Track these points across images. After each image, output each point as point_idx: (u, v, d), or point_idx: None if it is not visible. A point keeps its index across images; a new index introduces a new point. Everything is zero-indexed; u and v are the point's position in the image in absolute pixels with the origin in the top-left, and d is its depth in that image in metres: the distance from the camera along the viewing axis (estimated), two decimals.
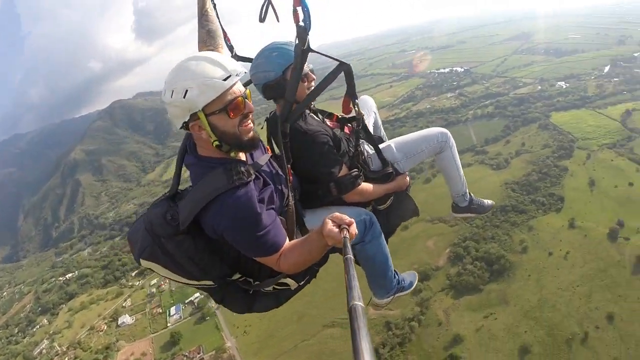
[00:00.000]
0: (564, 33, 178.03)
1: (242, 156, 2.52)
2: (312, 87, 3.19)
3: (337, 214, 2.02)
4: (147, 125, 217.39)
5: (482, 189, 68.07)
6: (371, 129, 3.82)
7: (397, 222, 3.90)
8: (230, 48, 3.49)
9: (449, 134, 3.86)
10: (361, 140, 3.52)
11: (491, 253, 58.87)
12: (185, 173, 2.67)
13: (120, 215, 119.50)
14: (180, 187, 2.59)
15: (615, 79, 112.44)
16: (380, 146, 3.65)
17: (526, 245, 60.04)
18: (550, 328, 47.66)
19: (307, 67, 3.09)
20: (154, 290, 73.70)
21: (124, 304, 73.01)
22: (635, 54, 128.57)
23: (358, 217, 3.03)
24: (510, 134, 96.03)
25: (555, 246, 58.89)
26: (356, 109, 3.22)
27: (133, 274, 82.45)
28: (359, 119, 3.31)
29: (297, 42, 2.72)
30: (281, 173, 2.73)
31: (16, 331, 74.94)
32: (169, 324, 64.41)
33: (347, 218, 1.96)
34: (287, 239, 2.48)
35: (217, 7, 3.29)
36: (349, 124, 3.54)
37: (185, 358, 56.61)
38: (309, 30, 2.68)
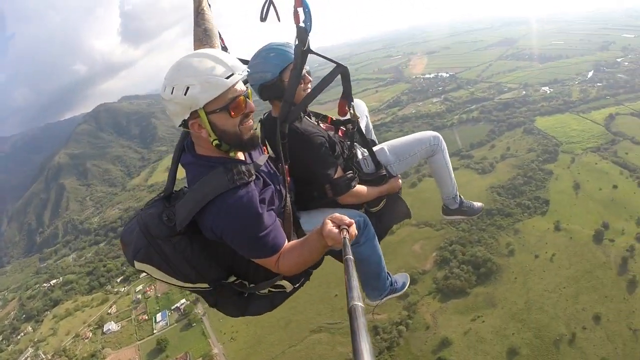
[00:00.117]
0: (548, 39, 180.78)
1: (241, 156, 2.46)
2: (309, 89, 3.16)
3: (336, 214, 2.00)
4: (133, 129, 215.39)
5: (468, 193, 67.17)
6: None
7: (389, 224, 3.88)
8: (224, 49, 3.33)
9: (441, 137, 3.89)
10: (354, 143, 3.52)
11: (478, 256, 59.11)
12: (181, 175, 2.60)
13: (105, 221, 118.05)
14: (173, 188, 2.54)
15: (598, 84, 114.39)
16: (374, 149, 3.68)
17: (512, 248, 60.43)
18: (538, 330, 47.93)
19: (304, 69, 3.03)
20: (139, 296, 72.81)
21: (109, 311, 71.99)
22: (618, 60, 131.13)
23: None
24: (495, 139, 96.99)
25: (541, 249, 59.39)
26: (352, 111, 3.28)
27: (118, 280, 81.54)
28: (355, 121, 3.36)
29: (297, 43, 2.76)
30: (279, 174, 2.71)
31: (0, 339, 73.50)
32: (155, 331, 63.51)
33: (346, 219, 1.95)
34: (287, 240, 2.42)
35: (211, 7, 3.23)
36: (342, 127, 3.53)
37: None
38: (309, 32, 2.72)
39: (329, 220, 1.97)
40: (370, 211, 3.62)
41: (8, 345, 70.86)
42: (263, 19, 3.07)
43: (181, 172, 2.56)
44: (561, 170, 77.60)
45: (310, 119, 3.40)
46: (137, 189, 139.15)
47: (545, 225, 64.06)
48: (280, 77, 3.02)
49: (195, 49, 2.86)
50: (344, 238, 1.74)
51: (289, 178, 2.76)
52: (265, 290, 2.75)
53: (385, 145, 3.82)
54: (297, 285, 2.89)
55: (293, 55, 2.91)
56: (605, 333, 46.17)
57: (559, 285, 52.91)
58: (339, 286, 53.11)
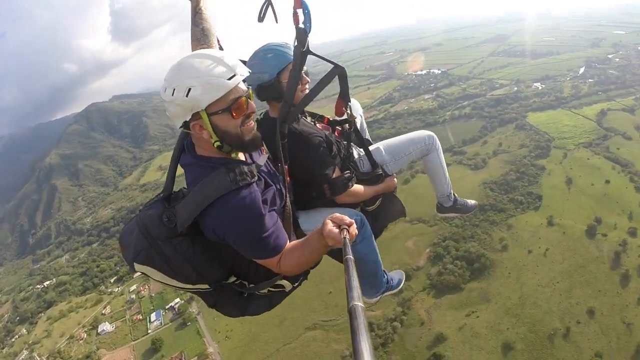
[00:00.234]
0: (539, 35, 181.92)
1: (242, 156, 2.45)
2: (306, 90, 3.15)
3: (337, 214, 2.00)
4: (124, 129, 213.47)
5: (460, 189, 67.89)
6: None
7: (385, 222, 3.91)
8: (220, 49, 3.37)
9: (436, 137, 3.93)
10: (351, 143, 3.57)
11: (471, 252, 59.32)
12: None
13: (98, 221, 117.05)
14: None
15: (590, 80, 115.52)
16: (370, 148, 3.71)
17: (506, 244, 60.71)
18: (532, 324, 48.19)
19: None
20: (133, 296, 72.36)
21: (103, 311, 71.48)
22: (610, 56, 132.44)
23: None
24: (487, 135, 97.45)
25: (534, 244, 59.72)
26: (349, 111, 3.28)
27: (112, 280, 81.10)
28: (352, 121, 3.39)
29: (296, 44, 2.76)
30: (279, 174, 2.70)
31: None
32: (149, 331, 63.13)
33: (347, 219, 1.96)
34: (288, 241, 2.41)
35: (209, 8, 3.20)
36: (339, 127, 3.58)
37: None
38: (308, 33, 2.72)
39: (329, 220, 1.97)
40: (367, 210, 3.64)
41: (2, 348, 70.23)
42: (261, 19, 3.05)
43: (178, 171, 2.54)
44: (553, 166, 78.06)
45: (307, 119, 3.42)
46: (129, 189, 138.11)
47: (538, 220, 64.42)
48: (278, 78, 3.03)
49: (192, 49, 2.86)
50: (344, 238, 1.75)
51: (288, 178, 2.77)
52: (265, 290, 2.75)
53: (380, 145, 3.84)
54: (296, 284, 2.91)
55: (291, 56, 2.94)
56: (599, 327, 46.52)
57: (552, 280, 53.21)
58: (333, 283, 53.26)
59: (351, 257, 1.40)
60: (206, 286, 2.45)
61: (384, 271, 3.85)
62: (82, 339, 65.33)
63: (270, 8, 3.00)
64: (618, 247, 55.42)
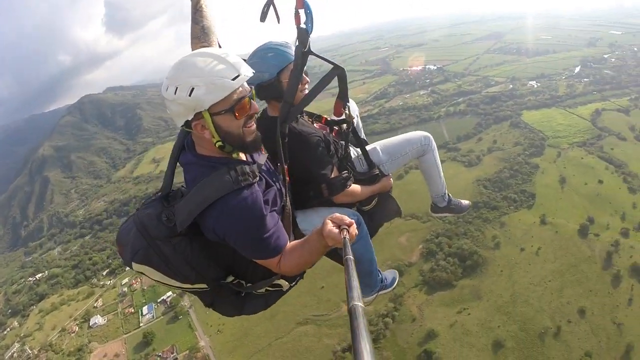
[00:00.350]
0: (536, 34, 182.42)
1: (243, 156, 2.43)
2: (306, 90, 3.14)
3: (337, 214, 2.01)
4: (118, 121, 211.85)
5: (454, 186, 68.73)
6: None
7: (381, 222, 3.90)
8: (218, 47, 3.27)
9: (431, 137, 3.99)
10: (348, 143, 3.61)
11: (464, 249, 59.44)
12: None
13: (91, 213, 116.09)
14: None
15: (585, 79, 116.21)
16: (367, 148, 3.74)
17: (498, 241, 60.88)
18: (523, 322, 48.41)
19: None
20: (125, 289, 72.07)
21: (95, 304, 71.16)
22: (605, 56, 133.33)
23: None
24: (482, 132, 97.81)
25: (527, 242, 59.96)
26: (347, 112, 3.31)
27: (104, 273, 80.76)
28: (350, 122, 3.41)
29: (297, 44, 2.78)
30: (278, 173, 2.72)
31: None
32: (141, 324, 62.98)
33: (347, 219, 1.96)
34: (288, 241, 2.40)
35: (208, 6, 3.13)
36: (336, 127, 3.61)
37: (158, 358, 55.40)
38: (310, 33, 2.73)
39: (329, 221, 1.97)
40: (362, 210, 3.64)
41: None
42: (262, 19, 3.02)
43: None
44: (547, 164, 78.41)
45: (304, 118, 3.40)
46: (122, 181, 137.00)
47: (531, 218, 64.68)
48: (278, 77, 3.01)
49: (192, 47, 2.82)
50: (344, 238, 1.75)
51: (288, 178, 2.75)
52: (262, 290, 2.73)
53: (377, 145, 3.87)
54: (293, 283, 2.90)
55: (292, 56, 2.95)
56: (589, 327, 46.82)
57: (544, 279, 53.47)
58: (326, 278, 53.35)
59: (351, 257, 1.41)
60: (204, 286, 2.42)
61: (379, 270, 3.87)
62: (73, 332, 64.99)
63: (272, 8, 2.97)
64: (610, 248, 55.70)
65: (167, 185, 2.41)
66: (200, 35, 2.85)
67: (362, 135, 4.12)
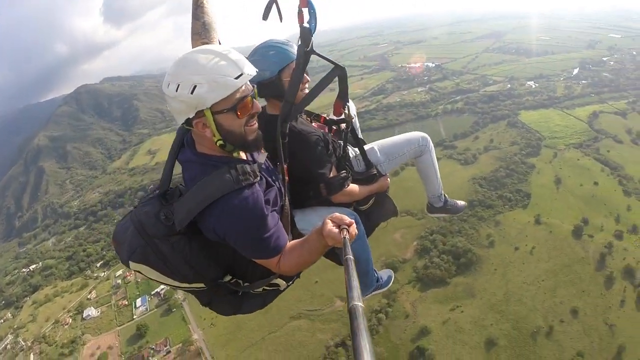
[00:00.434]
0: (536, 34, 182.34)
1: (243, 155, 2.39)
2: (306, 89, 3.12)
3: (336, 214, 2.00)
4: (114, 111, 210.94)
5: (450, 184, 69.06)
6: None
7: (377, 222, 3.92)
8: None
9: (429, 138, 4.00)
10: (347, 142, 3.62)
11: (458, 246, 59.78)
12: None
13: (85, 204, 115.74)
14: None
15: (583, 82, 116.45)
16: (364, 148, 3.76)
17: (493, 240, 61.15)
18: (516, 321, 48.68)
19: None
20: (119, 281, 71.93)
21: (89, 296, 71.00)
22: (604, 58, 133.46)
23: None
24: (479, 130, 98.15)
25: (521, 241, 60.21)
26: (347, 112, 3.31)
27: (98, 265, 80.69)
28: (349, 121, 3.41)
29: (300, 42, 2.75)
30: (278, 172, 2.69)
31: None
32: (135, 316, 62.99)
33: (347, 218, 1.96)
34: (288, 241, 2.38)
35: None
36: (334, 126, 3.61)
37: (152, 351, 55.44)
38: (313, 32, 2.70)
39: (329, 220, 1.96)
40: (359, 209, 3.64)
41: None
42: (265, 17, 3.01)
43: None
44: (543, 165, 78.72)
45: (302, 117, 3.40)
46: (118, 172, 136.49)
47: (525, 218, 64.94)
48: (279, 75, 3.00)
49: (193, 43, 2.78)
50: (344, 238, 1.75)
51: (287, 178, 2.74)
52: (260, 289, 2.72)
53: (375, 145, 3.88)
54: (290, 282, 2.88)
55: (293, 55, 2.96)
56: (582, 327, 47.08)
57: (537, 278, 53.72)
58: (320, 273, 53.43)
59: (351, 257, 1.40)
60: (202, 285, 2.39)
61: (374, 270, 3.89)
62: (67, 323, 64.86)
63: (275, 6, 2.95)
64: (604, 249, 56.02)
65: (165, 182, 2.36)
66: (201, 31, 2.81)
67: (360, 135, 4.13)
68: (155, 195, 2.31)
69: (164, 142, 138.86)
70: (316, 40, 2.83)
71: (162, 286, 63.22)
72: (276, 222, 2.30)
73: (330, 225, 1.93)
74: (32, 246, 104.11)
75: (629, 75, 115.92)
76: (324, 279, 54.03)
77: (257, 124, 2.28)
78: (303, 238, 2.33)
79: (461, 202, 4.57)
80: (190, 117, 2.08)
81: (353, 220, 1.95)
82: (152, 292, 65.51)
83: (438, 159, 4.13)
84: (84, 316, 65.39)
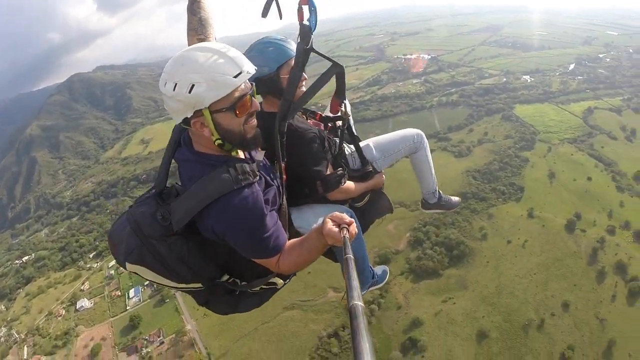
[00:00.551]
0: (532, 29, 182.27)
1: (241, 154, 2.35)
2: (303, 87, 3.07)
3: (336, 213, 2.00)
4: (107, 100, 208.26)
5: (443, 176, 69.25)
6: None
7: (372, 219, 3.89)
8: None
9: (424, 135, 4.03)
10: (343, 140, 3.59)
11: (451, 239, 60.03)
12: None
13: (78, 194, 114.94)
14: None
15: (579, 77, 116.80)
16: (360, 145, 3.74)
17: (485, 233, 61.43)
18: (508, 314, 49.06)
19: None
20: (112, 272, 71.68)
21: (82, 287, 70.83)
22: (601, 55, 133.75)
23: None
24: (473, 123, 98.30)
25: (514, 234, 60.55)
26: (343, 109, 3.29)
27: (91, 256, 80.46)
28: (346, 119, 3.38)
29: (299, 40, 2.72)
30: (275, 170, 2.64)
31: None
32: (128, 307, 62.97)
33: (347, 217, 1.95)
34: (287, 240, 2.36)
35: None
36: (330, 123, 3.57)
37: (145, 342, 55.55)
38: (313, 30, 2.67)
39: (329, 219, 1.95)
40: (355, 206, 3.63)
41: None
42: (264, 14, 3.00)
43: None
44: (537, 159, 79.06)
45: (298, 114, 3.38)
46: (110, 162, 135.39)
47: (519, 211, 65.26)
48: (277, 72, 2.96)
49: (189, 39, 2.74)
50: (344, 237, 1.74)
51: (285, 176, 2.69)
52: (257, 288, 2.71)
53: (370, 142, 3.88)
54: (287, 281, 2.88)
55: (291, 51, 2.92)
56: (573, 320, 47.55)
57: (529, 271, 54.11)
58: (313, 264, 53.42)
59: (351, 256, 1.40)
60: (199, 285, 2.37)
61: (370, 267, 3.92)
62: (60, 315, 64.75)
63: (275, 3, 2.94)
64: (596, 244, 56.49)
65: (161, 182, 2.30)
66: (198, 27, 2.75)
67: (355, 132, 4.11)
68: (152, 195, 2.26)
69: (157, 131, 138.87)
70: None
71: None
72: (275, 221, 2.29)
73: (330, 225, 1.92)
74: (24, 237, 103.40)
75: (624, 72, 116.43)
76: (317, 269, 54.08)
77: (255, 122, 2.24)
78: (302, 237, 2.31)
79: (455, 198, 4.59)
80: (188, 116, 2.03)
81: (353, 220, 1.95)
82: (145, 283, 65.06)
83: (432, 150, 4.09)
84: (77, 307, 65.31)
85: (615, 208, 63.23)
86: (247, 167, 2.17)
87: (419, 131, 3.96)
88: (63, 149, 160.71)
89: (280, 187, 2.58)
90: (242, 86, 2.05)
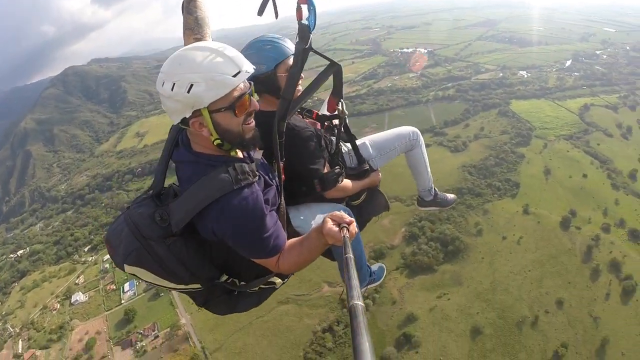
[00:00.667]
0: (529, 24, 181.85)
1: (239, 154, 2.32)
2: (299, 86, 3.00)
3: (336, 212, 2.01)
4: (102, 93, 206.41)
5: (439, 171, 69.40)
6: None
7: (369, 217, 3.93)
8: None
9: (419, 132, 4.05)
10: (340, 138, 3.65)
11: (446, 234, 60.02)
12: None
13: (73, 188, 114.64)
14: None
15: (575, 74, 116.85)
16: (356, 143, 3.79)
17: (481, 228, 61.56)
18: (502, 310, 49.21)
19: None
20: (107, 265, 71.37)
21: (77, 281, 70.86)
22: (597, 52, 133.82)
23: None
24: (469, 118, 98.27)
25: (509, 231, 60.68)
26: (341, 108, 3.34)
27: (86, 249, 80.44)
28: (343, 118, 3.43)
29: (297, 39, 2.70)
30: (273, 170, 2.64)
31: None
32: (123, 301, 62.99)
33: (347, 217, 1.97)
34: (286, 239, 2.36)
35: None
36: (326, 122, 3.59)
37: (140, 336, 55.60)
38: (312, 30, 2.65)
39: (329, 219, 1.96)
40: (351, 204, 3.70)
41: None
42: (260, 13, 2.98)
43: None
44: (533, 155, 79.21)
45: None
46: (105, 155, 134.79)
47: (514, 207, 65.43)
48: (275, 70, 2.95)
49: (185, 38, 2.74)
50: (344, 236, 1.75)
51: (283, 176, 2.69)
52: (256, 287, 2.69)
53: (366, 140, 3.91)
54: (286, 280, 2.88)
55: (288, 50, 2.93)
56: (566, 318, 47.75)
57: (524, 268, 54.28)
58: None
59: (351, 255, 1.41)
60: (198, 286, 2.34)
61: (367, 265, 3.98)
62: (55, 309, 64.84)
63: (271, 2, 2.92)
64: (591, 242, 56.71)
65: (158, 183, 2.27)
66: (194, 26, 2.73)
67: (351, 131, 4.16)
68: (149, 196, 2.23)
69: (152, 125, 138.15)
70: None
71: None
72: (275, 221, 2.28)
73: (330, 224, 1.92)
74: (19, 231, 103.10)
75: (621, 69, 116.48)
76: (312, 264, 54.05)
77: (254, 123, 2.22)
78: (302, 236, 2.31)
79: (451, 195, 4.61)
80: (187, 116, 2.01)
81: (353, 219, 1.96)
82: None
83: (428, 145, 4.01)
84: (72, 301, 65.40)
85: (611, 206, 63.48)
86: (246, 167, 2.15)
87: (415, 129, 3.99)
88: (58, 142, 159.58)
89: (279, 187, 2.56)
90: (241, 85, 2.03)
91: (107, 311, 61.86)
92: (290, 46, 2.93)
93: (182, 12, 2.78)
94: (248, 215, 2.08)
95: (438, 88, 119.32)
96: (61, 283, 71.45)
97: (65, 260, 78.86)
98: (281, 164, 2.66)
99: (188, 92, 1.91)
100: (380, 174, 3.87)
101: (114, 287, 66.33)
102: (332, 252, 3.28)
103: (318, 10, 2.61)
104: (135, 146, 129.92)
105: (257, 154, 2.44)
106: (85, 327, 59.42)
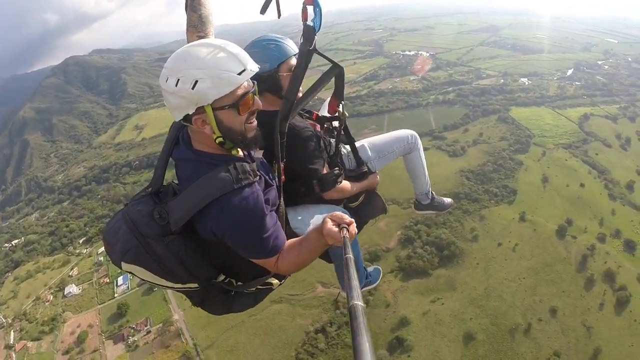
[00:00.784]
0: (532, 32, 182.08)
1: (240, 153, 2.30)
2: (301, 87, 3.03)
3: (336, 213, 2.01)
4: (102, 84, 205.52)
5: (437, 175, 69.23)
6: None
7: (366, 219, 3.93)
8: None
9: (418, 136, 4.05)
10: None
11: (442, 238, 60.10)
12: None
13: (70, 179, 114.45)
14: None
15: (577, 83, 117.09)
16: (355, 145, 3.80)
17: (477, 234, 61.60)
18: (495, 317, 49.22)
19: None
20: (101, 258, 71.14)
21: (70, 273, 70.70)
22: (599, 62, 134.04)
23: None
24: (469, 123, 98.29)
25: (504, 237, 60.71)
26: (341, 110, 3.32)
27: (80, 242, 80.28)
28: (343, 119, 3.41)
29: (302, 40, 2.69)
30: (274, 170, 2.62)
31: None
32: (116, 295, 62.82)
33: (347, 217, 1.97)
34: (286, 240, 2.34)
35: None
36: (326, 124, 3.58)
37: (132, 331, 55.45)
38: (317, 31, 2.65)
39: (329, 219, 1.96)
40: (349, 206, 3.68)
41: None
42: (263, 12, 2.99)
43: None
44: (531, 162, 79.28)
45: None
46: (103, 147, 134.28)
47: (510, 214, 65.43)
48: (277, 70, 2.95)
49: (188, 36, 2.70)
50: (344, 237, 1.75)
51: (283, 177, 2.67)
52: (253, 288, 2.66)
53: (365, 143, 3.90)
54: (283, 281, 2.85)
55: (291, 50, 2.93)
56: (560, 327, 47.81)
57: (519, 275, 54.30)
58: None
59: (351, 256, 1.42)
60: (195, 285, 2.33)
61: (364, 267, 4.03)
62: (48, 300, 64.68)
63: (274, 1, 2.91)
64: (586, 251, 56.82)
65: (157, 180, 2.25)
66: (198, 24, 2.70)
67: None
68: (148, 193, 2.21)
69: (152, 118, 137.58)
70: None
71: None
72: (275, 221, 2.27)
73: (330, 224, 1.91)
74: (14, 220, 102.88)
75: (622, 80, 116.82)
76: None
77: (256, 123, 2.20)
78: (301, 237, 2.30)
79: (448, 200, 4.61)
80: (190, 113, 1.98)
81: (353, 220, 1.95)
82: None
83: (426, 149, 3.95)
84: (65, 293, 65.33)
85: (607, 216, 63.63)
86: (247, 166, 2.14)
87: (413, 132, 3.98)
88: (56, 132, 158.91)
89: (279, 187, 2.55)
90: (245, 84, 2.02)
91: (100, 304, 61.67)
92: (292, 46, 2.93)
93: (186, 9, 2.72)
94: (248, 215, 2.06)
95: (438, 92, 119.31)
96: (55, 275, 71.29)
97: (60, 251, 78.63)
98: (282, 165, 2.63)
99: (193, 88, 1.88)
100: (378, 176, 3.88)
101: (108, 281, 66.10)
102: (330, 253, 3.27)
103: (325, 9, 2.57)
104: (134, 139, 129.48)
105: (258, 154, 2.41)
106: (78, 319, 59.27)
